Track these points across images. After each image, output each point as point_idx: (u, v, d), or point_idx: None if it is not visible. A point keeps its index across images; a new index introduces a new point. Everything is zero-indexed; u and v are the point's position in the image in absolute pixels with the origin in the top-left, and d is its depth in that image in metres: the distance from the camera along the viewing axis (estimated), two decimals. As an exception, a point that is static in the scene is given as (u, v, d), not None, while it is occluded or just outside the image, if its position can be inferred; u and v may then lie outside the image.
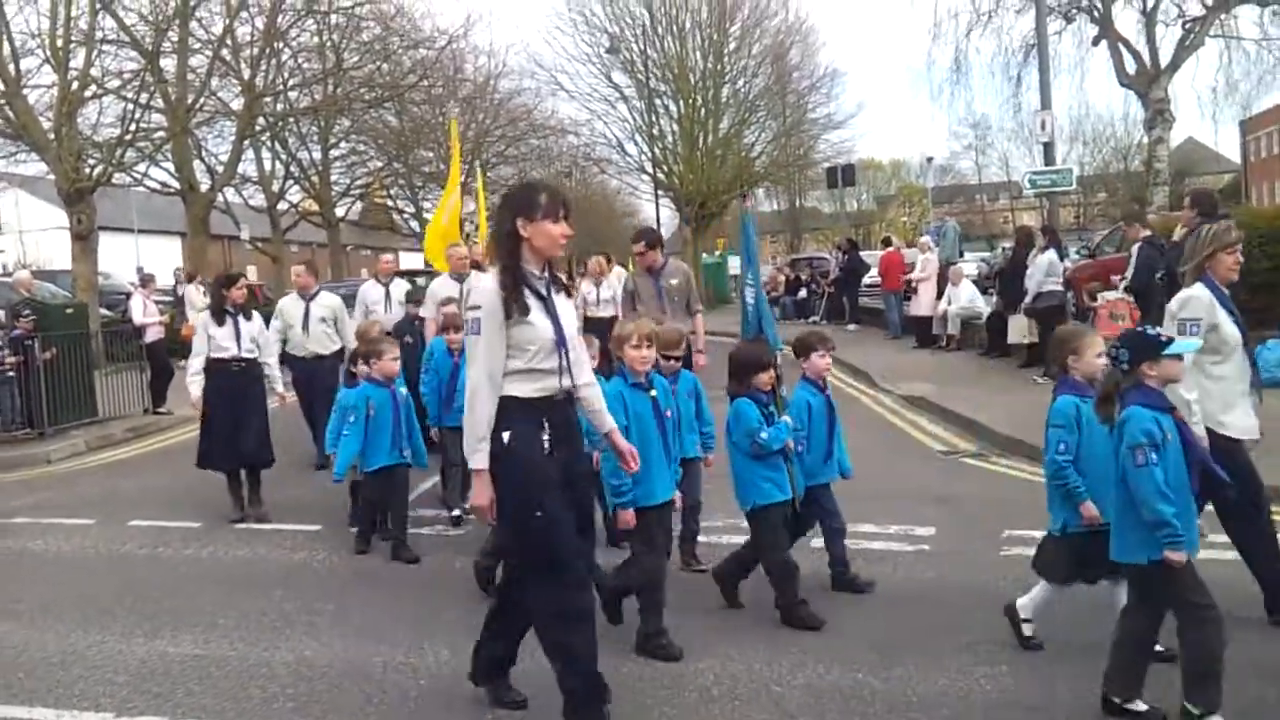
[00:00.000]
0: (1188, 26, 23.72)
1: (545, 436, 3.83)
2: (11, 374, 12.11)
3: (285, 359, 9.55)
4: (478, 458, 3.79)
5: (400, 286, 11.23)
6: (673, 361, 5.85)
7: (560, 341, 3.87)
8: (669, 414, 4.93)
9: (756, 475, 5.23)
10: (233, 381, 7.93)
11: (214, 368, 7.90)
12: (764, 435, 5.17)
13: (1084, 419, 4.47)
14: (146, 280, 16.54)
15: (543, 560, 3.85)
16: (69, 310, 13.79)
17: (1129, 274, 9.55)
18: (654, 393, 4.90)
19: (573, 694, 3.91)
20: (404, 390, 7.02)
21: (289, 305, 9.99)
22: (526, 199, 3.92)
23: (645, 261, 8.63)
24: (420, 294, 10.19)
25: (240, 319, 8.01)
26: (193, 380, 8.00)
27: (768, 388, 5.39)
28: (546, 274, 3.95)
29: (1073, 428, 4.50)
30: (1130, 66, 24.05)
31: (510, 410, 3.81)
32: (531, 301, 3.83)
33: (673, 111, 36.61)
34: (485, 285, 3.87)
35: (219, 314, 7.97)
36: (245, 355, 7.98)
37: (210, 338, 7.93)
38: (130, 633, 5.51)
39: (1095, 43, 24.97)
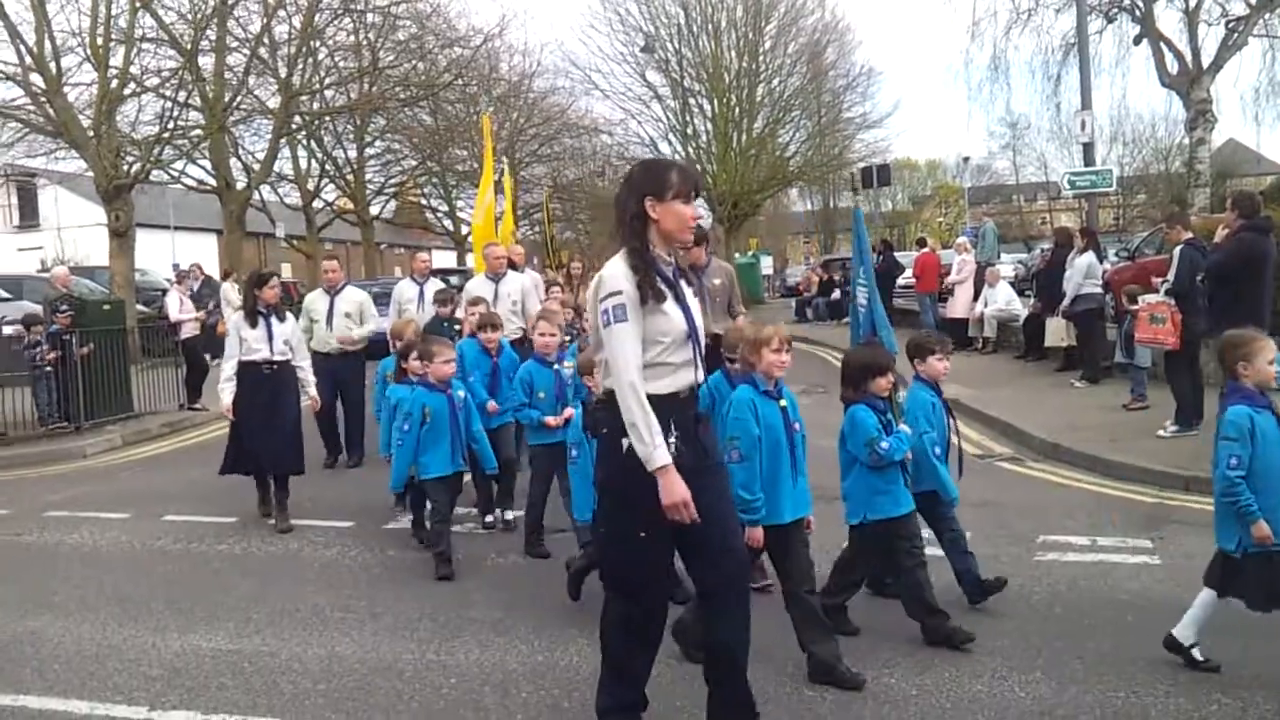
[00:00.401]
0: (1230, 26, 23.34)
1: (673, 439, 3.51)
2: (49, 369, 12.26)
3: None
4: (656, 455, 3.41)
5: (435, 286, 10.87)
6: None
7: (692, 332, 3.61)
8: (797, 426, 4.59)
9: (872, 487, 4.85)
10: (265, 384, 7.67)
11: (246, 370, 7.65)
12: (884, 445, 4.80)
13: (1258, 431, 4.24)
14: (182, 276, 16.70)
15: (627, 578, 3.69)
16: (106, 306, 13.93)
17: (1170, 276, 9.40)
18: (783, 402, 4.58)
19: (606, 713, 3.83)
20: (461, 393, 6.64)
21: (313, 300, 10.05)
22: (656, 177, 3.64)
23: (690, 258, 8.36)
24: (450, 294, 10.06)
25: (273, 320, 7.78)
26: (224, 387, 7.68)
27: (885, 393, 5.04)
28: (674, 260, 3.69)
29: (1246, 440, 4.23)
30: (1172, 66, 23.72)
31: None
32: (663, 289, 3.55)
33: (707, 111, 36.55)
34: (618, 270, 3.54)
35: (252, 315, 7.73)
36: (278, 358, 7.74)
37: (242, 340, 7.68)
38: (164, 627, 5.55)
39: (1136, 42, 24.63)
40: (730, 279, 8.26)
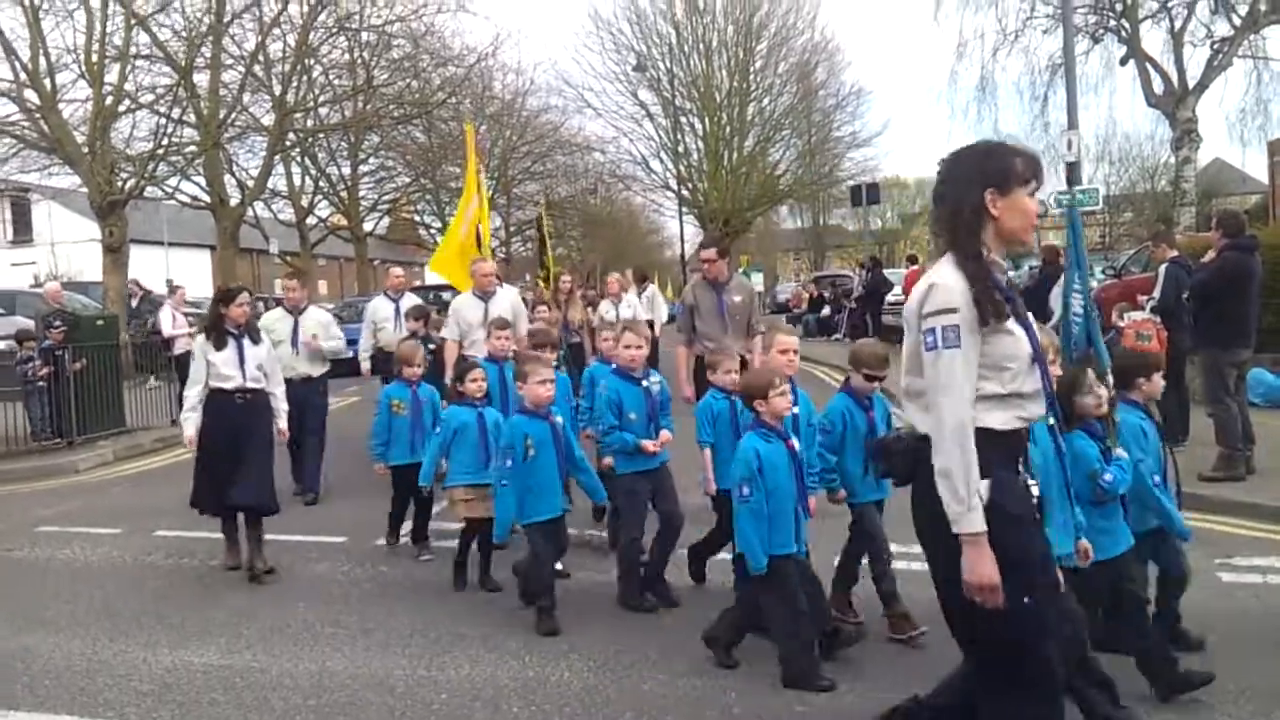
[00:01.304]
0: (1216, 47, 23.56)
1: (1028, 482, 3.01)
2: (42, 384, 12.26)
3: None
4: (971, 519, 2.83)
5: (412, 302, 10.44)
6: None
7: (1036, 355, 3.00)
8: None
9: (1092, 526, 4.05)
10: (235, 415, 6.78)
11: (214, 399, 6.78)
12: (1108, 478, 4.21)
13: None
14: (173, 290, 16.72)
15: (1017, 663, 2.94)
16: (99, 321, 13.94)
17: (1156, 294, 9.49)
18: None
19: None
20: (559, 419, 5.74)
21: (274, 320, 9.13)
22: (1000, 165, 2.99)
23: (714, 271, 7.99)
24: (424, 310, 9.82)
25: (245, 341, 6.89)
26: (188, 417, 6.87)
27: (1101, 414, 4.42)
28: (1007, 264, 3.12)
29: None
30: (1158, 87, 23.92)
31: (984, 449, 2.88)
32: (1003, 304, 2.95)
33: (698, 129, 36.76)
34: (953, 282, 2.92)
35: (220, 336, 6.83)
36: (251, 385, 6.85)
37: (210, 365, 6.80)
38: (155, 642, 5.56)
39: (1123, 63, 24.85)
40: (751, 296, 8.17)
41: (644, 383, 5.99)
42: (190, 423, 6.86)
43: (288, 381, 8.22)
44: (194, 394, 6.87)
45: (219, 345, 6.80)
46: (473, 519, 6.19)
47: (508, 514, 5.55)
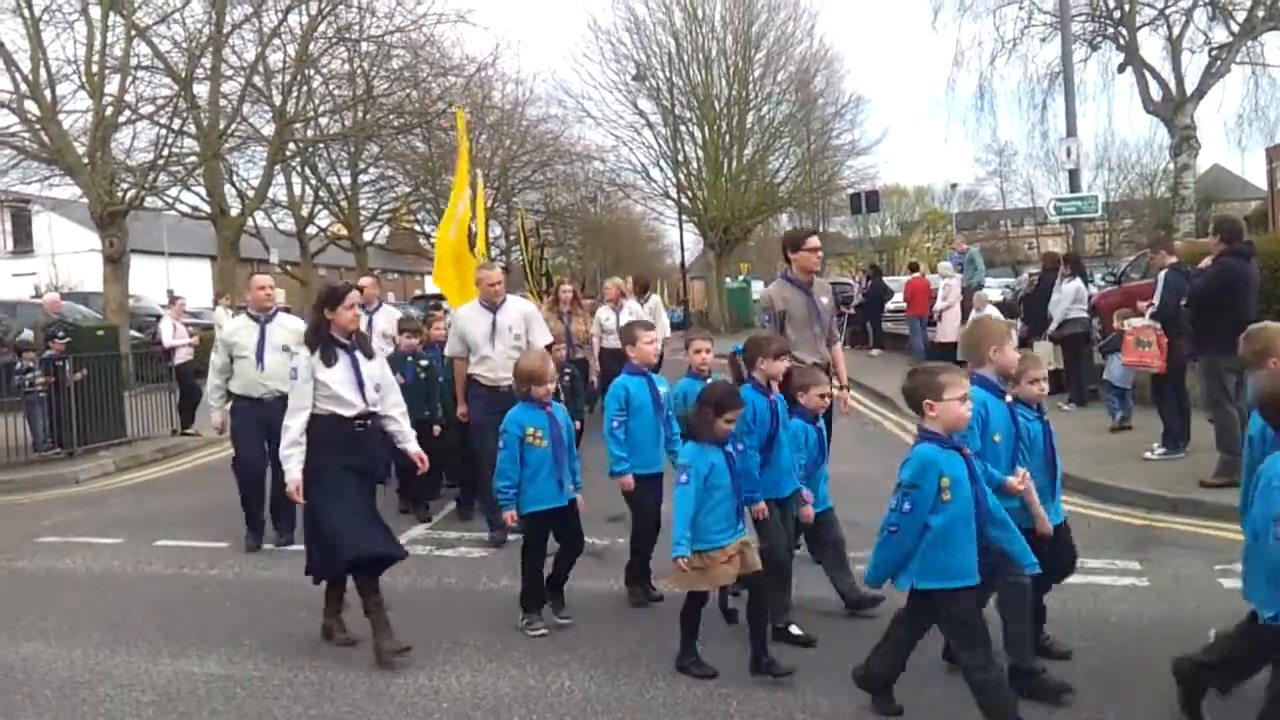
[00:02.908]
0: (1214, 53, 23.63)
1: None
2: (42, 394, 12.27)
3: (230, 399, 7.85)
4: None
5: (387, 315, 9.58)
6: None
7: None
8: None
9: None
10: (359, 447, 5.49)
11: (327, 428, 5.35)
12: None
13: None
14: (174, 300, 16.71)
15: None
16: (100, 332, 13.95)
17: (1155, 300, 9.51)
18: None
19: None
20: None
21: (236, 329, 7.90)
22: None
23: (811, 265, 6.83)
24: (416, 324, 9.27)
25: (359, 355, 5.52)
26: (289, 455, 5.34)
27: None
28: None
29: None
30: (1156, 93, 23.99)
31: None
32: None
33: (697, 138, 36.83)
34: None
35: (326, 349, 5.40)
36: (372, 409, 5.53)
37: (319, 385, 5.35)
38: (156, 652, 5.56)
39: (1121, 70, 24.92)
40: (834, 300, 7.28)
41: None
42: (295, 462, 5.28)
43: (256, 402, 7.71)
44: (298, 425, 5.31)
45: (329, 360, 5.35)
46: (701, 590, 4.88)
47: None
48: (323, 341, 5.43)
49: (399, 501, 8.66)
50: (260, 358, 7.72)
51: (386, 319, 9.51)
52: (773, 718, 4.37)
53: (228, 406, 7.89)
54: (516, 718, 4.49)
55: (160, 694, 4.95)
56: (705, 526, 4.66)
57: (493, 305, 7.66)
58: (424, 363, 8.57)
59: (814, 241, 6.92)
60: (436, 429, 8.43)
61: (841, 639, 5.18)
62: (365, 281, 9.91)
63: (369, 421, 5.52)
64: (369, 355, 5.57)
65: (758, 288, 46.94)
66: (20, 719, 4.71)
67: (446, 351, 8.11)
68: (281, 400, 6.36)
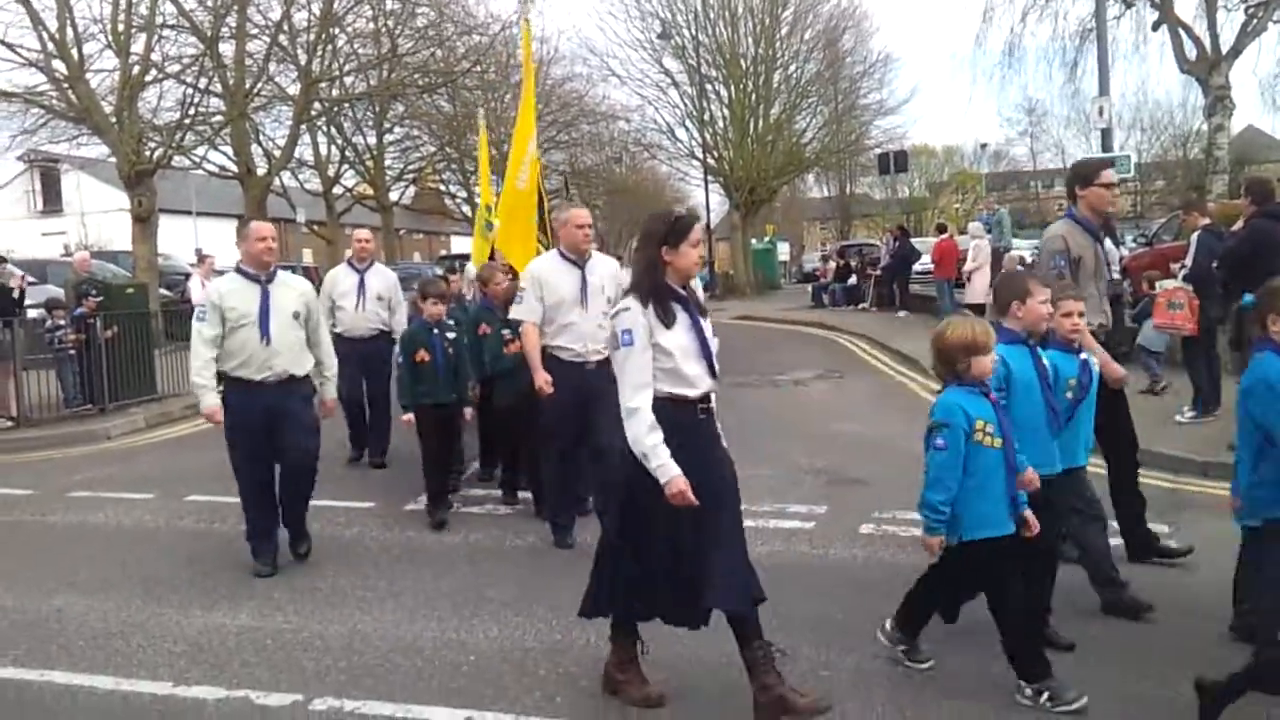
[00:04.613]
0: (1250, 11, 23.09)
1: None
2: (73, 351, 12.41)
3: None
4: None
5: (381, 275, 8.89)
6: None
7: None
8: None
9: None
10: (707, 448, 4.10)
11: (667, 419, 3.88)
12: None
13: None
14: (203, 259, 16.82)
15: None
16: (130, 290, 14.07)
17: (1188, 262, 9.39)
18: None
19: None
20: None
21: (230, 290, 6.19)
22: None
23: (1103, 204, 5.82)
24: (441, 287, 7.51)
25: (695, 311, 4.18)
26: (657, 450, 3.83)
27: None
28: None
29: None
30: (1190, 52, 23.50)
31: None
32: None
33: (724, 97, 36.43)
34: None
35: (663, 306, 3.97)
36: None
37: (664, 354, 3.93)
38: (187, 605, 5.64)
39: (1155, 28, 24.41)
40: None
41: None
42: (665, 452, 3.82)
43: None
44: (648, 407, 3.88)
45: (667, 319, 3.94)
46: None
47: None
48: (658, 292, 3.98)
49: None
50: (265, 328, 6.03)
51: (381, 280, 8.84)
52: (797, 672, 4.37)
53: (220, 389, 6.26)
54: (542, 670, 4.53)
55: (192, 645, 5.03)
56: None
57: (581, 257, 6.27)
58: (451, 336, 7.14)
59: (1109, 175, 5.77)
60: (469, 412, 7.31)
61: (861, 597, 5.20)
62: (364, 234, 9.23)
63: (711, 406, 4.11)
64: (703, 311, 4.15)
65: (784, 249, 46.77)
66: (55, 668, 4.79)
67: (517, 313, 6.40)
68: (289, 385, 6.06)
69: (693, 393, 3.96)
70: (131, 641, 5.12)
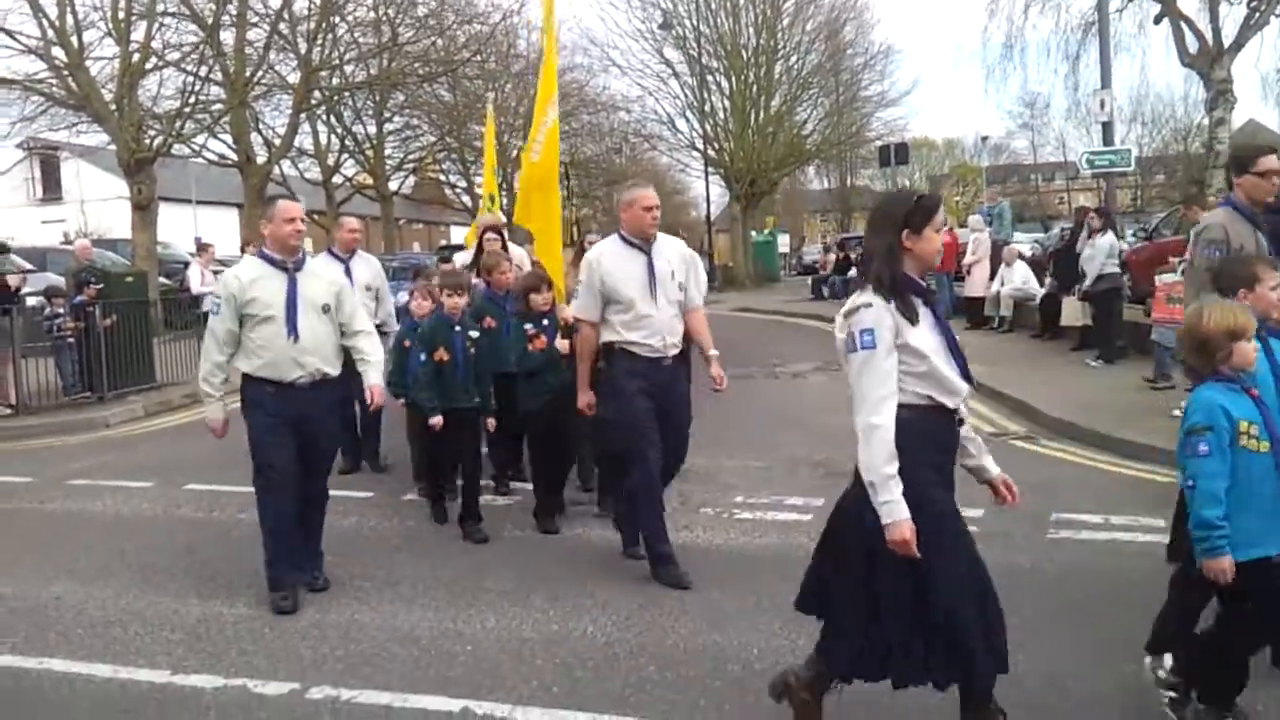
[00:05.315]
0: (1252, 6, 23.05)
1: None
2: (71, 339, 12.41)
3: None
4: None
5: (367, 264, 8.37)
6: None
7: None
8: None
9: None
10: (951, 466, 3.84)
11: (923, 432, 3.38)
12: None
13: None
14: (203, 249, 16.82)
15: None
16: (129, 279, 14.06)
17: (1188, 257, 9.39)
18: None
19: None
20: None
21: (253, 278, 5.36)
22: None
23: (1263, 193, 5.35)
24: (461, 276, 7.14)
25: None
26: (889, 477, 3.25)
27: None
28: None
29: None
30: (1192, 46, 23.46)
31: None
32: None
33: (724, 88, 36.41)
34: None
35: (905, 302, 3.52)
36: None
37: (907, 356, 3.39)
38: (185, 593, 5.65)
39: (1157, 21, 24.37)
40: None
41: None
42: (897, 488, 3.23)
43: (290, 388, 5.54)
44: (888, 424, 3.27)
45: (911, 315, 3.36)
46: None
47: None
48: (900, 284, 3.40)
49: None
50: (292, 323, 5.28)
51: (368, 269, 8.32)
52: (792, 663, 4.39)
53: (226, 398, 5.48)
54: (539, 660, 4.54)
55: (189, 634, 5.04)
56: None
57: (647, 242, 5.56)
58: (474, 334, 6.53)
59: (1269, 162, 5.22)
60: (491, 422, 6.79)
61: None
62: (354, 223, 8.67)
63: (964, 419, 3.56)
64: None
65: (784, 241, 46.74)
66: (54, 656, 4.80)
67: (575, 311, 5.80)
68: (321, 387, 5.39)
69: (951, 401, 3.40)
70: (129, 629, 5.12)
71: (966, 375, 3.41)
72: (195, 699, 4.32)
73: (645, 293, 5.42)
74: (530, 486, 7.21)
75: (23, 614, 5.41)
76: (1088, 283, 12.72)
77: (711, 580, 5.33)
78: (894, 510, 3.18)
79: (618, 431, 5.53)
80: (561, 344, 6.40)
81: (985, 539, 6.11)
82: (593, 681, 4.31)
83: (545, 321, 6.54)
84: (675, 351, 5.48)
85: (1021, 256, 17.41)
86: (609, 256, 5.56)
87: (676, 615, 4.99)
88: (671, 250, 5.66)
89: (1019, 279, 16.50)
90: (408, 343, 7.06)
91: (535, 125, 8.22)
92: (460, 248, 17.59)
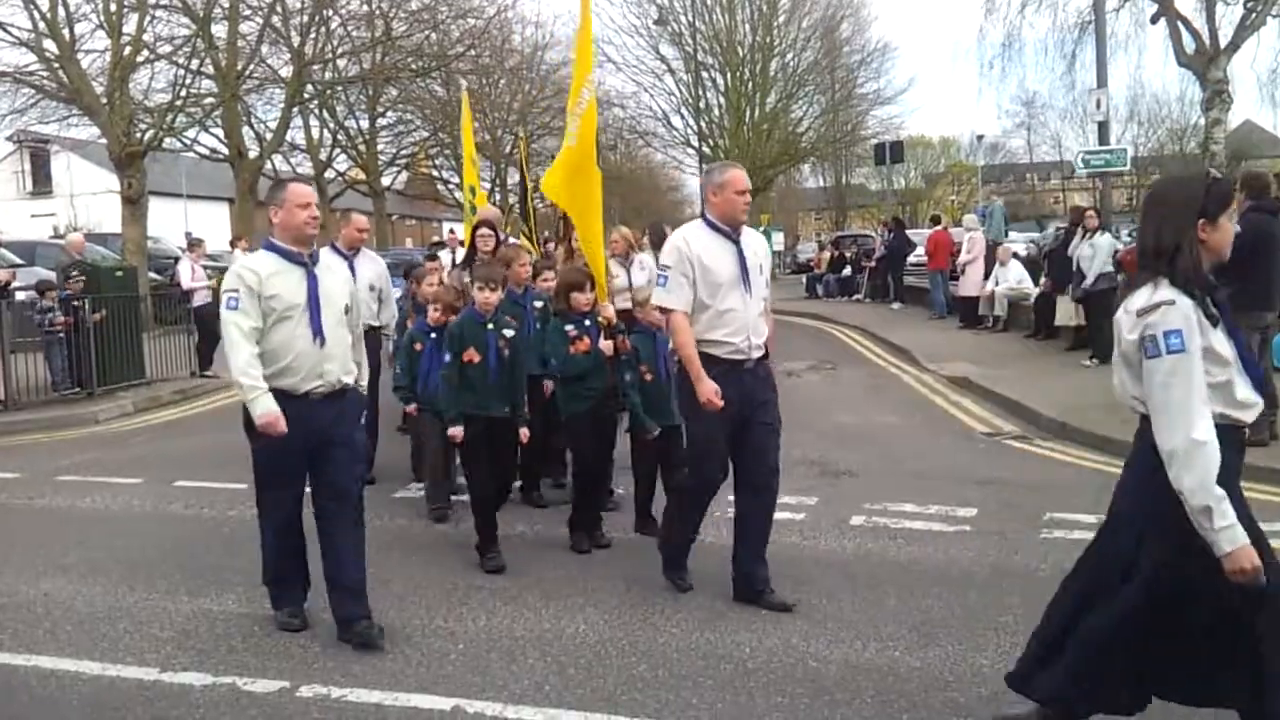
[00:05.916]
0: (1249, 6, 23.09)
1: None
2: (61, 334, 12.34)
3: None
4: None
5: (372, 263, 8.06)
6: None
7: None
8: None
9: None
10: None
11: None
12: None
13: None
14: (194, 244, 16.72)
15: None
16: (119, 273, 13.99)
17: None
18: None
19: None
20: None
21: (272, 271, 4.66)
22: None
23: None
24: (496, 271, 6.29)
25: None
26: (1222, 501, 2.92)
27: None
28: None
29: None
30: (1189, 46, 23.50)
31: None
32: None
33: (720, 85, 36.44)
34: None
35: (1202, 296, 3.41)
36: None
37: (1212, 363, 3.05)
38: (175, 590, 5.60)
39: (1154, 20, 24.40)
40: None
41: None
42: (1240, 535, 2.95)
43: (304, 400, 4.78)
44: (1211, 435, 2.94)
45: (1214, 317, 3.01)
46: None
47: None
48: (1203, 281, 3.04)
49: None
50: (317, 324, 4.64)
51: (373, 268, 7.99)
52: (785, 663, 4.38)
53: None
54: (531, 659, 4.51)
55: (179, 631, 5.00)
56: None
57: (736, 230, 5.03)
58: (509, 333, 5.88)
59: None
60: (525, 432, 5.99)
61: (850, 588, 5.20)
62: (363, 220, 8.32)
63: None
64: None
65: (778, 239, 46.69)
66: (42, 653, 4.75)
67: (664, 300, 5.00)
68: (341, 399, 4.77)
69: (1247, 416, 3.03)
70: (118, 626, 5.08)
71: (1260, 388, 3.04)
72: (184, 696, 4.28)
73: (738, 285, 4.90)
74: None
75: (11, 610, 5.36)
76: (1088, 281, 12.71)
77: (704, 579, 5.31)
78: (1235, 536, 2.86)
79: (690, 447, 5.20)
80: (605, 344, 6.02)
81: (979, 538, 6.15)
82: (584, 680, 4.28)
83: (587, 322, 6.12)
84: (759, 354, 4.99)
85: (1016, 256, 17.43)
86: (703, 244, 4.96)
87: (669, 614, 4.97)
88: (756, 241, 5.15)
89: (1014, 278, 16.52)
90: (419, 345, 6.78)
91: (570, 110, 7.64)
92: (444, 245, 17.48)
